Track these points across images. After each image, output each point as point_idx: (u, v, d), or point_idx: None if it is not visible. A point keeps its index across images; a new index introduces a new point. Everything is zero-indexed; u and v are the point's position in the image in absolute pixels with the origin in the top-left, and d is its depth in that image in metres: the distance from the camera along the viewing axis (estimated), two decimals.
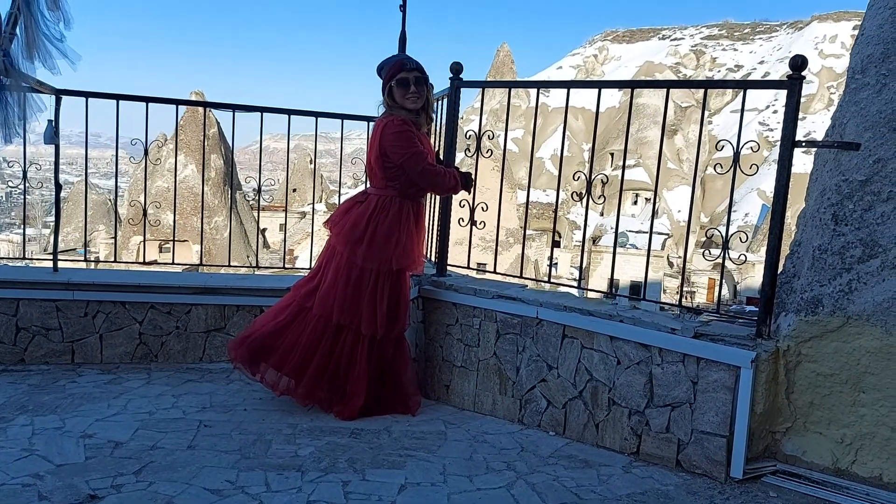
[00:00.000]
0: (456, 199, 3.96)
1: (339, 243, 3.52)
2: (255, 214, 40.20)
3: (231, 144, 4.50)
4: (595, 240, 44.35)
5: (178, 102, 4.35)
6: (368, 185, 3.67)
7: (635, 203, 49.80)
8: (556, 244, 46.93)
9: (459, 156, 4.06)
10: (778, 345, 2.94)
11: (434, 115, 3.78)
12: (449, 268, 4.06)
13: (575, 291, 4.93)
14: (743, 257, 3.42)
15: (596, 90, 3.50)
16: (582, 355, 3.35)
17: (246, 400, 3.67)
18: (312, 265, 4.97)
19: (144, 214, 4.31)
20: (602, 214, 45.09)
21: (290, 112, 4.51)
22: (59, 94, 3.94)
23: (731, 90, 61.95)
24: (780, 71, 63.47)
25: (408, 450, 3.18)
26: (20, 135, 3.51)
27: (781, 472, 2.94)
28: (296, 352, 3.49)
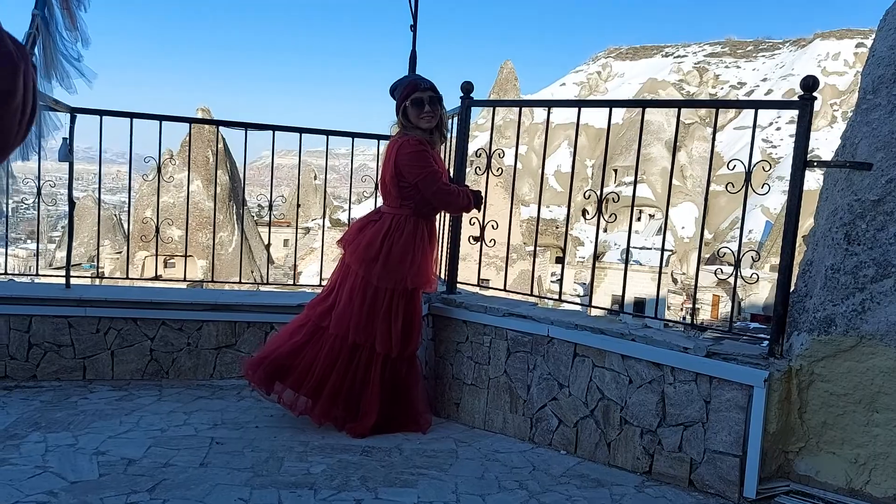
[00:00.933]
0: (466, 216, 3.98)
1: (353, 262, 3.54)
2: (259, 231, 40.30)
3: (244, 161, 4.51)
4: (599, 256, 44.33)
5: (190, 121, 4.39)
6: (382, 204, 3.70)
7: (639, 219, 49.85)
8: (560, 260, 46.92)
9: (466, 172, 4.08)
10: (791, 364, 2.94)
11: (447, 134, 3.81)
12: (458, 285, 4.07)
13: (579, 308, 4.93)
14: (755, 276, 3.42)
15: (600, 108, 3.54)
16: (593, 374, 3.35)
17: (257, 417, 3.67)
18: (319, 281, 4.99)
19: (157, 231, 4.33)
20: (605, 231, 45.09)
21: (301, 130, 4.55)
22: (73, 112, 3.98)
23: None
24: (783, 88, 63.70)
25: (419, 468, 3.18)
26: (36, 152, 3.54)
27: (795, 491, 2.93)
28: (313, 371, 3.50)
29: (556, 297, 4.42)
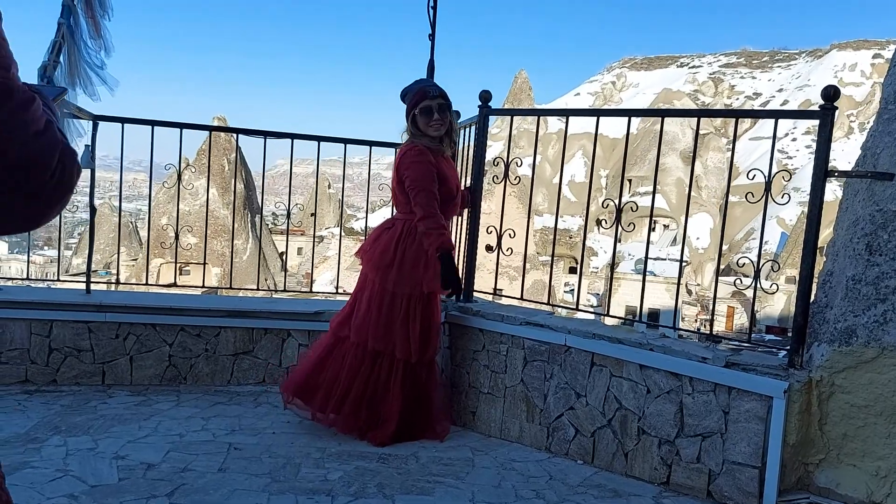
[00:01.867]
0: (483, 224, 3.99)
1: (370, 270, 3.56)
2: (273, 238, 40.48)
3: (262, 169, 4.54)
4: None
5: (211, 129, 4.43)
6: (395, 212, 3.72)
7: (653, 230, 49.68)
8: (573, 270, 46.77)
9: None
10: (811, 375, 2.92)
11: (457, 140, 3.81)
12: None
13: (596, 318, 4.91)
14: (775, 287, 3.40)
15: (614, 117, 3.54)
16: (611, 383, 3.34)
17: (274, 423, 3.69)
18: (336, 289, 5.00)
19: (177, 237, 4.37)
20: (619, 241, 44.99)
21: (319, 139, 4.57)
22: (96, 119, 4.03)
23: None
24: (799, 99, 63.37)
25: (436, 476, 3.18)
26: None
27: None
28: (338, 385, 3.54)
29: (571, 307, 4.41)
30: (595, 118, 3.88)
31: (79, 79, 3.41)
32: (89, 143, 4.03)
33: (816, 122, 2.85)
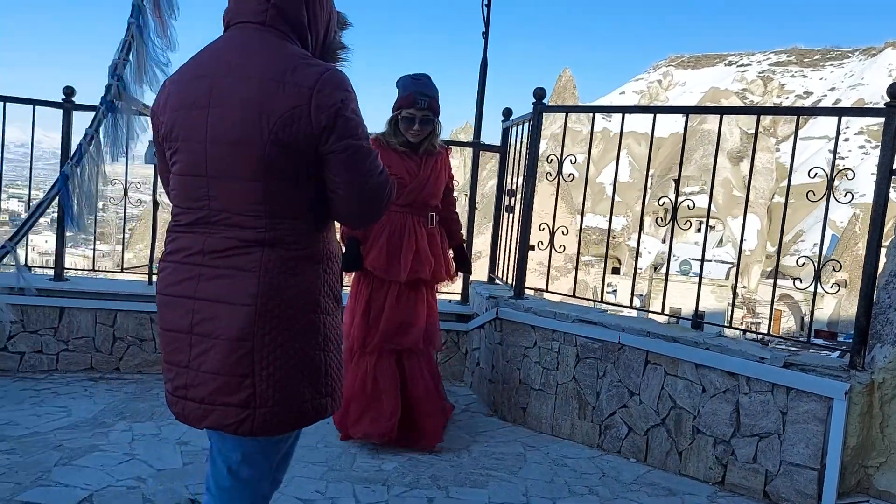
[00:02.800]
0: (535, 221, 4.00)
1: (368, 266, 3.48)
2: None
3: None
4: (656, 267, 43.64)
5: None
6: None
7: (699, 230, 48.90)
8: (616, 271, 46.33)
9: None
10: (873, 377, 2.87)
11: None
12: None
13: (650, 317, 4.88)
14: (836, 287, 3.35)
15: (664, 114, 3.53)
16: (665, 382, 3.33)
17: None
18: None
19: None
20: (664, 241, 44.41)
21: None
22: None
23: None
24: (852, 98, 61.64)
25: (488, 470, 3.21)
26: (125, 154, 3.72)
27: None
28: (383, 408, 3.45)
29: (633, 306, 4.40)
30: (647, 116, 3.86)
31: (145, 76, 3.51)
32: (152, 140, 4.15)
33: (870, 121, 2.81)
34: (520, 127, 4.24)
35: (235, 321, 1.61)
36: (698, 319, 3.44)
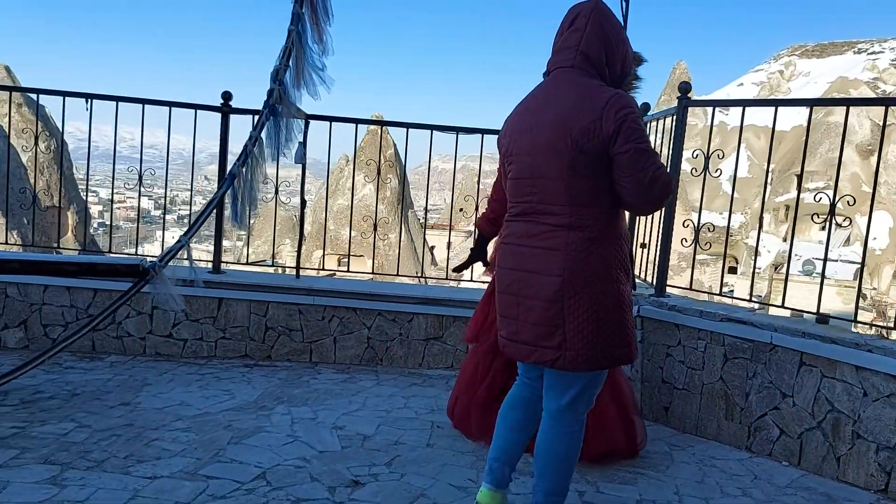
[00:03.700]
0: (678, 218, 3.94)
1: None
2: (423, 233, 41.61)
3: (404, 161, 4.76)
4: (776, 267, 41.57)
5: (357, 122, 4.66)
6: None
7: (823, 228, 46.23)
8: (733, 270, 44.49)
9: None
10: None
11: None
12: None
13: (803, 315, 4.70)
14: None
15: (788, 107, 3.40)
16: (821, 384, 3.21)
17: None
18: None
19: (375, 228, 4.68)
20: (784, 240, 42.26)
21: (458, 130, 4.68)
22: (308, 118, 4.37)
23: None
24: None
25: (636, 468, 3.20)
26: (284, 155, 3.95)
27: None
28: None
29: (786, 305, 4.22)
30: (768, 109, 3.72)
31: (303, 80, 3.72)
32: (302, 140, 4.38)
33: None
34: (660, 122, 4.19)
35: (549, 288, 2.20)
36: (823, 314, 3.29)
